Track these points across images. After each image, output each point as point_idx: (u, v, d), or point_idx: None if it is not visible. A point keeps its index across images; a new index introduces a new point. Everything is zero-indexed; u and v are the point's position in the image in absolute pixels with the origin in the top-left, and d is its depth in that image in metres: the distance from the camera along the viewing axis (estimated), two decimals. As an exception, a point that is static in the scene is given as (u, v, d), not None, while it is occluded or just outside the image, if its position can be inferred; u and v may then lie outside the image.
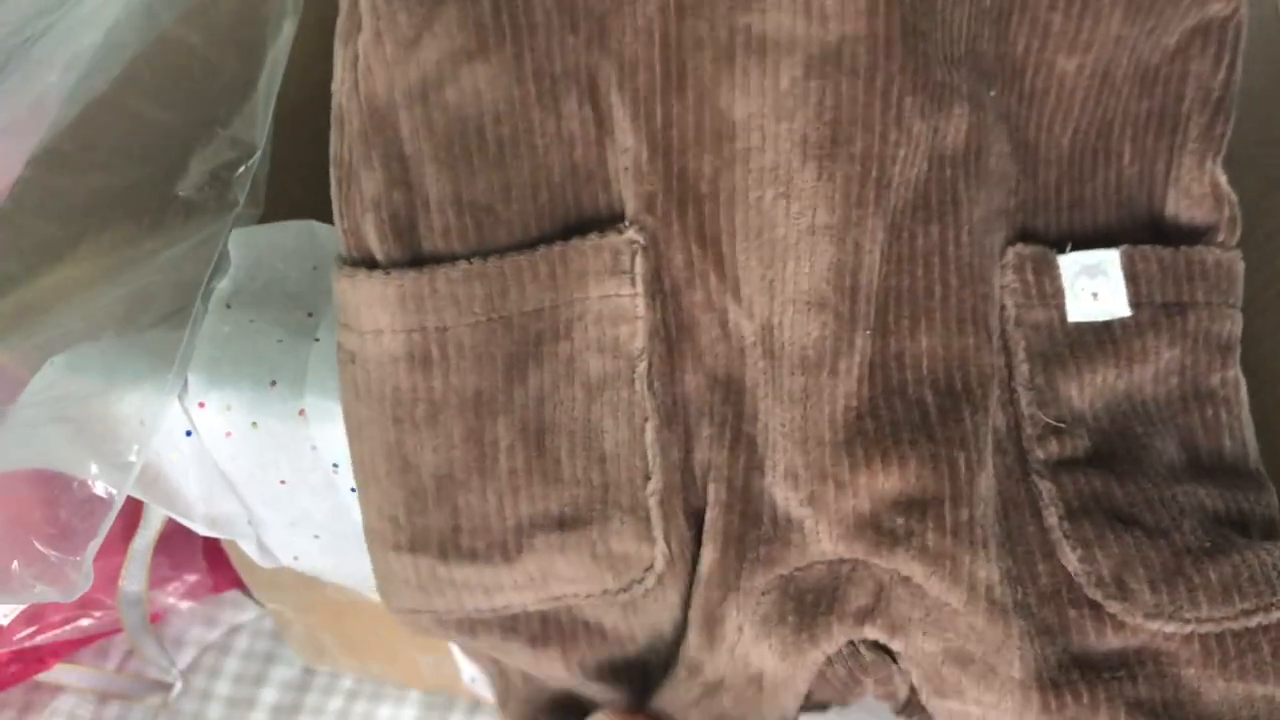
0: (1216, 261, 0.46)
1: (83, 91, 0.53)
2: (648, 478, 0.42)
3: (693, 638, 0.45)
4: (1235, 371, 0.46)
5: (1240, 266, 0.47)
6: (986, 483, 0.43)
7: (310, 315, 0.46)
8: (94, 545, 0.45)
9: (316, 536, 0.52)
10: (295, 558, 0.55)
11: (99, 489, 0.45)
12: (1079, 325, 0.45)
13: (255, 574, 0.69)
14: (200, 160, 0.55)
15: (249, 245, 0.49)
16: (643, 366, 0.42)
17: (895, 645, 0.43)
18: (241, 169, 0.54)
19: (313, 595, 0.66)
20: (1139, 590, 0.41)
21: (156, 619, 0.77)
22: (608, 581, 0.43)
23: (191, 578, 0.76)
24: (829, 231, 0.41)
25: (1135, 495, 0.43)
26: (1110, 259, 0.45)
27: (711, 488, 0.43)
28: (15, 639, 0.69)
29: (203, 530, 0.52)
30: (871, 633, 0.43)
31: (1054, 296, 0.45)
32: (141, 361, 0.46)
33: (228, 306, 0.46)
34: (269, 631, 0.80)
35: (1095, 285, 0.45)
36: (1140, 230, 0.47)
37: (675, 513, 0.43)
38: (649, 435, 0.42)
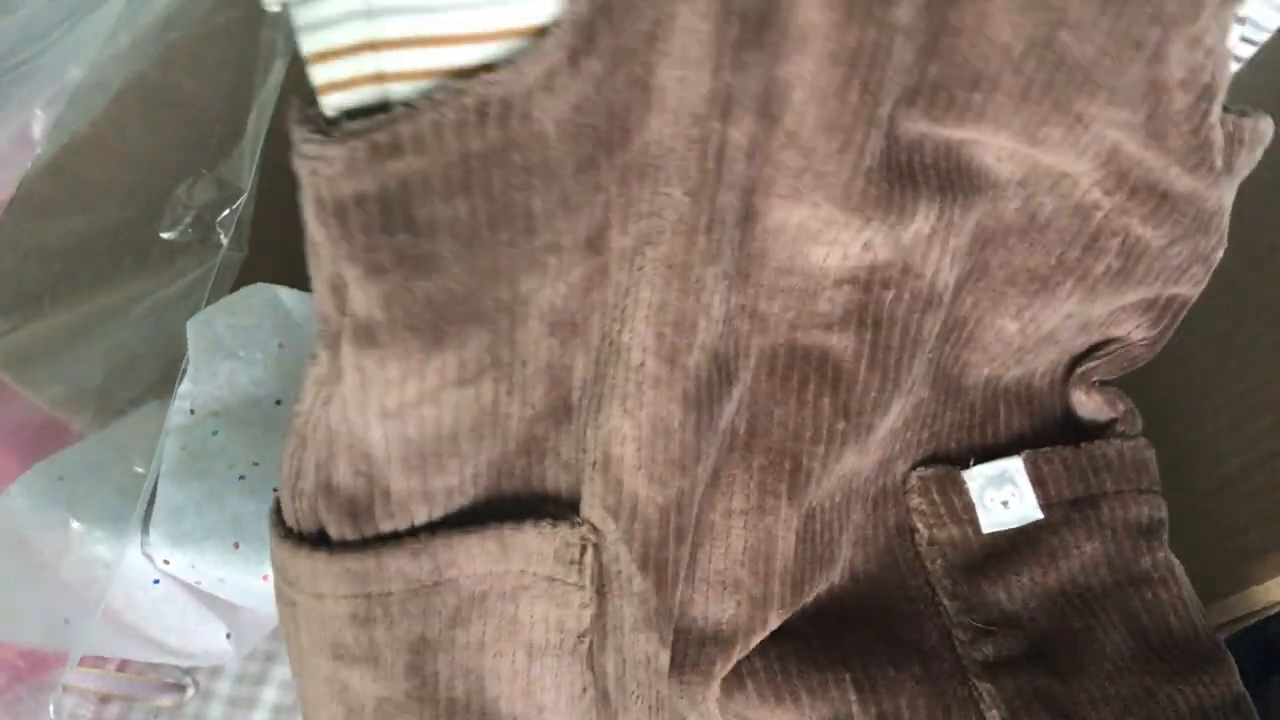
0: (1119, 452, 0.46)
1: (66, 128, 0.52)
2: None
3: None
4: (1165, 553, 0.46)
5: (1148, 454, 0.47)
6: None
7: (278, 403, 0.45)
8: (61, 683, 0.45)
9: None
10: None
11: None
12: (994, 534, 0.45)
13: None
14: (185, 201, 0.53)
15: (207, 335, 0.47)
16: (584, 646, 0.41)
17: None
18: (227, 211, 0.53)
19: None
20: None
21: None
22: None
23: (193, 581, 0.77)
24: (744, 516, 0.41)
25: (1078, 692, 0.42)
26: (1014, 467, 0.45)
27: None
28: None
29: (175, 661, 0.51)
30: None
31: (965, 511, 0.45)
32: (104, 501, 0.45)
33: (191, 412, 0.45)
34: (270, 631, 0.81)
35: (1003, 494, 0.45)
36: (1048, 430, 0.47)
37: None
38: (585, 704, 0.42)
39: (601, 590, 0.41)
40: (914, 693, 0.42)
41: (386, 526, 0.39)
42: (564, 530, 0.40)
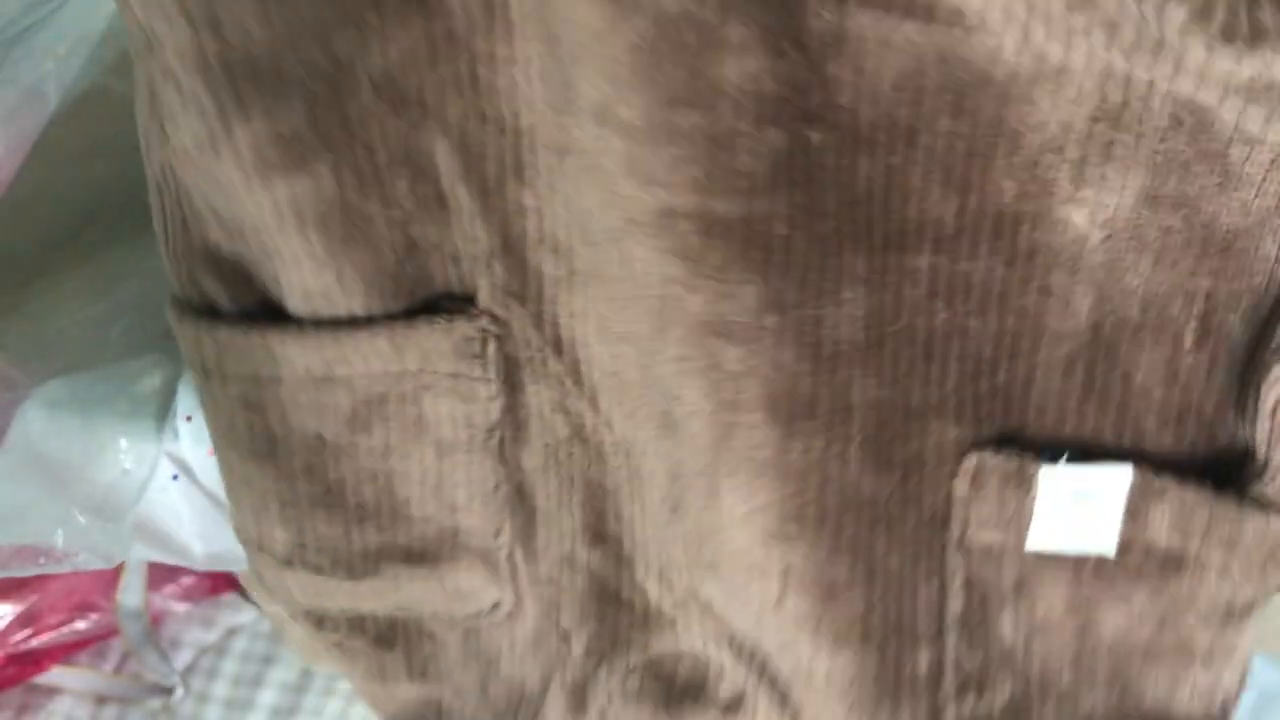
0: (1251, 522, 0.35)
1: (80, 80, 0.53)
2: (499, 533, 0.42)
3: (555, 703, 0.45)
4: (1233, 637, 0.37)
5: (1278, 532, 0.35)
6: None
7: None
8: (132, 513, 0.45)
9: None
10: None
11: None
12: (1038, 555, 0.36)
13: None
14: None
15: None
16: (494, 441, 0.41)
17: None
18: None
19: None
20: None
21: (154, 621, 0.76)
22: (454, 608, 0.44)
23: (188, 580, 0.76)
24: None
25: None
26: (1115, 484, 0.34)
27: (578, 577, 0.43)
28: (12, 641, 0.68)
29: (203, 568, 0.51)
30: None
31: (1017, 519, 0.35)
32: (124, 408, 0.46)
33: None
34: (267, 633, 0.80)
35: (1082, 513, 0.34)
36: (1178, 444, 0.35)
37: (528, 562, 0.43)
38: (500, 498, 0.42)
39: (511, 381, 0.40)
40: None
41: (267, 305, 0.39)
42: (461, 324, 0.38)
